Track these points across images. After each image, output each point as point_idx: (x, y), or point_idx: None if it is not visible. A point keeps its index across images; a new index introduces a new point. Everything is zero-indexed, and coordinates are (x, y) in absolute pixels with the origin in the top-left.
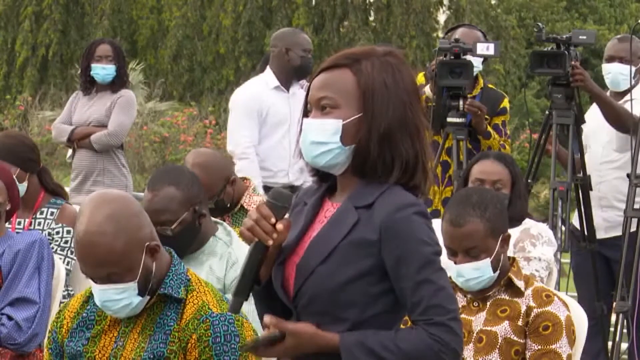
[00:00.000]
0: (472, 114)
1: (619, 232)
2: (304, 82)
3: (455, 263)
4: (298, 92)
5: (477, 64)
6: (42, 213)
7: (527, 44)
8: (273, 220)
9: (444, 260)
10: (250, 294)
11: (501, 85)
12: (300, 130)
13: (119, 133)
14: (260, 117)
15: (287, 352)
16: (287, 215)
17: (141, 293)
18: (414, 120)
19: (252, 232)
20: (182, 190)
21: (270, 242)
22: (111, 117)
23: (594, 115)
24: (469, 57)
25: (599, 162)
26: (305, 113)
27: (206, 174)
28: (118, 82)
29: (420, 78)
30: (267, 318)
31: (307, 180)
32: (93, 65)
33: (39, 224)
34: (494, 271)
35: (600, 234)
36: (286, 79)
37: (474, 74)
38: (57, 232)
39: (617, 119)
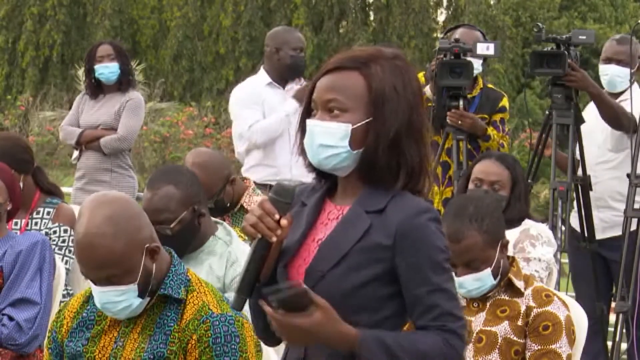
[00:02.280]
0: (457, 125)
1: (616, 232)
2: (302, 81)
3: (456, 275)
4: (295, 87)
5: (477, 65)
6: (38, 213)
7: (523, 43)
8: (277, 216)
9: None
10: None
11: (500, 85)
12: (302, 129)
13: (129, 137)
14: (261, 107)
15: (308, 327)
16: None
17: (141, 295)
18: (419, 125)
19: (255, 228)
20: (181, 190)
21: (274, 239)
22: (121, 121)
23: (588, 116)
24: (468, 58)
25: (594, 163)
26: (308, 112)
27: (206, 174)
28: (125, 81)
29: (420, 78)
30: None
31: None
32: (96, 66)
33: (36, 224)
34: (495, 278)
35: (597, 235)
36: (279, 77)
37: (474, 75)
38: (55, 232)
39: (615, 118)
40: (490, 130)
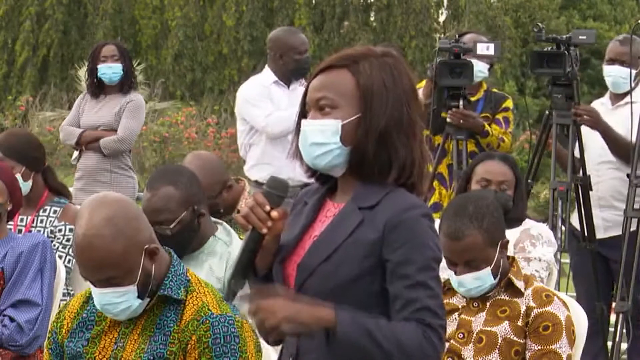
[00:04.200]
0: (458, 124)
1: (617, 232)
2: (303, 81)
3: (456, 273)
4: (299, 88)
5: (484, 69)
6: (44, 211)
7: (522, 44)
8: (267, 207)
9: (443, 265)
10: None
11: (498, 85)
12: (298, 130)
13: (129, 139)
14: (270, 103)
15: (282, 308)
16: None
17: (141, 296)
18: (410, 120)
19: (246, 219)
20: (181, 190)
21: (265, 230)
22: (121, 122)
23: None
24: (482, 63)
25: (597, 162)
26: (304, 114)
27: (203, 176)
28: (127, 83)
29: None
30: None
31: None
32: (99, 66)
33: (41, 221)
34: (495, 277)
35: (599, 234)
36: (284, 78)
37: (480, 80)
38: (60, 230)
39: (625, 153)
40: (493, 128)
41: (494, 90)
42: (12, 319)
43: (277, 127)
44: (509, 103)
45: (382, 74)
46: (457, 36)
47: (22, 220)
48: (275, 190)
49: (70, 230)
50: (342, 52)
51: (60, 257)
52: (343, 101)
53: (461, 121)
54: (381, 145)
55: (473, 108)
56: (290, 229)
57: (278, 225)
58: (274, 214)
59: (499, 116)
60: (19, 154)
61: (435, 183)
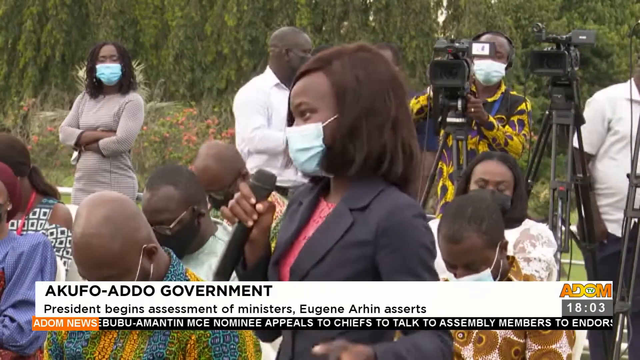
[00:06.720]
0: (470, 113)
1: None
2: None
3: (455, 276)
4: None
5: (500, 69)
6: (34, 214)
7: (522, 45)
8: (253, 200)
9: (442, 267)
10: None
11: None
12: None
13: (128, 139)
14: (267, 111)
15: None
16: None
17: None
18: (387, 110)
19: (232, 211)
20: (181, 190)
21: (250, 223)
22: (120, 122)
23: (628, 115)
24: (498, 63)
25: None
26: (290, 121)
27: (218, 165)
28: (126, 83)
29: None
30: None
31: None
32: (98, 66)
33: (32, 224)
34: (494, 279)
35: None
36: (287, 78)
37: (498, 81)
38: (52, 233)
39: None
40: (505, 129)
41: (513, 92)
42: (12, 319)
43: (263, 144)
44: (525, 106)
45: (355, 70)
46: (474, 39)
47: (12, 224)
48: (261, 183)
49: (62, 232)
50: (316, 55)
51: None
52: (321, 104)
53: (472, 109)
54: (350, 137)
55: (489, 109)
56: (285, 229)
57: (266, 218)
58: (259, 206)
59: (514, 118)
60: (3, 161)
61: (448, 183)
